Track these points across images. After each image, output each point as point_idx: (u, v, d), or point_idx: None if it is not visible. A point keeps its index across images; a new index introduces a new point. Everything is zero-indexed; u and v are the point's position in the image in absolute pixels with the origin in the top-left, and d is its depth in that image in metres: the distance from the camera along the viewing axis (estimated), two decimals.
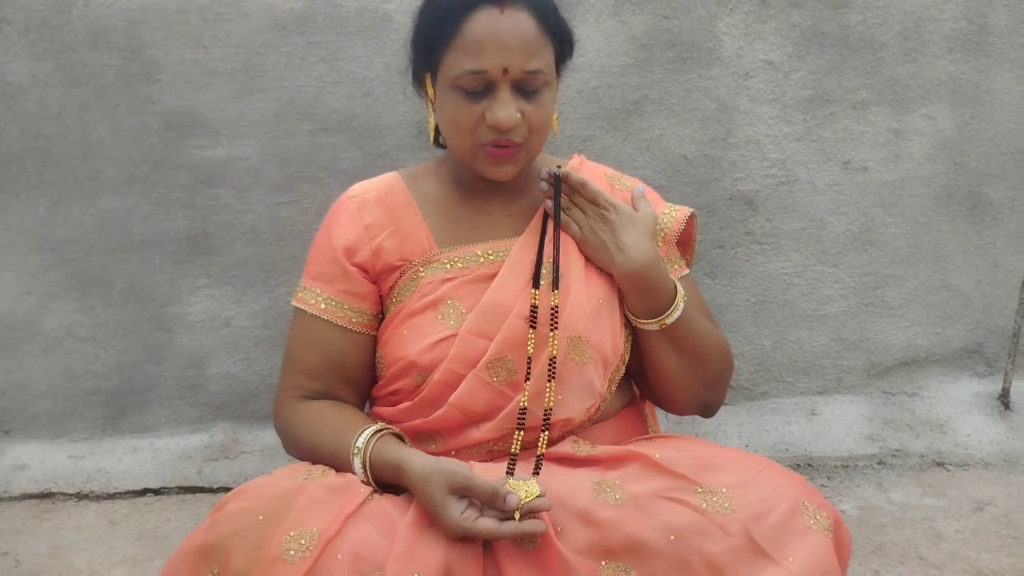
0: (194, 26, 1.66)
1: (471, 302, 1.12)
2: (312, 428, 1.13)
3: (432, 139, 1.21)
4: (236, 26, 1.66)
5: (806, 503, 0.96)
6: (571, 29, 1.15)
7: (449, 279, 1.14)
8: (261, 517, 0.93)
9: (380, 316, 1.19)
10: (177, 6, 1.65)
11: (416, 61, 1.15)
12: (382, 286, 1.18)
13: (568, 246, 1.16)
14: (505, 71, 1.05)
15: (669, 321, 1.14)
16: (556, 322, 1.10)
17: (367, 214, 1.18)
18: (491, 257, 1.16)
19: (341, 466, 1.06)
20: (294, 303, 1.20)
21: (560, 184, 1.16)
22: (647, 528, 0.93)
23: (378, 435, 1.06)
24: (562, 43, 1.13)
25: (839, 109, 1.77)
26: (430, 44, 1.10)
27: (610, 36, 1.70)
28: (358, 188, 1.22)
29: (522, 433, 1.08)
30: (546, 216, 1.17)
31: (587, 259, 1.17)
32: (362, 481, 1.03)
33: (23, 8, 1.64)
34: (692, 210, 1.25)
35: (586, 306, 1.13)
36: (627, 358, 1.19)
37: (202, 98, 1.69)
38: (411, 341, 1.12)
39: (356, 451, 1.04)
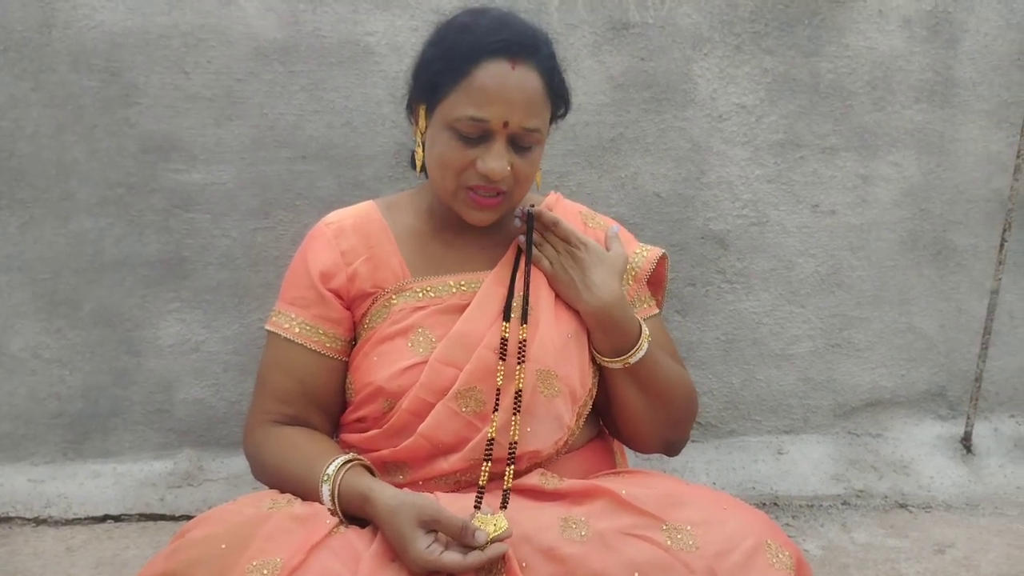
0: (176, 51, 1.67)
1: (441, 331, 1.13)
2: (282, 454, 1.12)
3: (418, 167, 1.22)
4: (218, 53, 1.67)
5: (769, 541, 0.97)
6: (570, 91, 1.19)
7: (421, 307, 1.15)
8: (224, 545, 0.92)
9: (352, 342, 1.20)
10: (160, 31, 1.66)
11: (415, 90, 1.16)
12: (355, 312, 1.19)
13: (539, 281, 1.18)
14: (505, 124, 1.08)
15: (632, 360, 1.15)
16: (524, 355, 1.11)
17: (343, 241, 1.19)
18: (463, 288, 1.17)
19: (308, 493, 1.05)
20: (268, 327, 1.20)
21: (533, 222, 1.18)
22: (612, 565, 0.93)
23: (348, 465, 1.05)
24: (558, 106, 1.17)
25: (809, 153, 1.81)
26: (434, 80, 1.11)
27: (588, 75, 1.73)
28: (335, 215, 1.23)
29: (489, 464, 1.08)
30: (519, 250, 1.19)
31: (556, 295, 1.18)
32: (329, 510, 1.03)
33: (3, 28, 1.64)
34: (663, 251, 1.27)
35: (555, 340, 1.14)
36: (595, 393, 1.20)
37: (181, 123, 1.69)
38: (380, 367, 1.12)
39: (326, 479, 1.03)
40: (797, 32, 1.76)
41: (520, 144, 1.10)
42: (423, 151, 1.16)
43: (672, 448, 1.27)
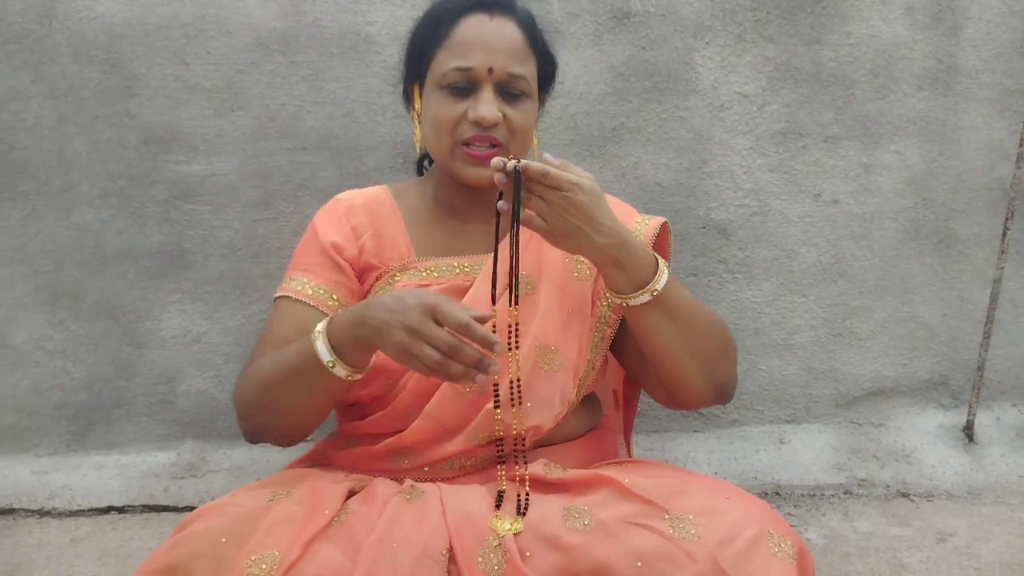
0: (176, 42, 1.66)
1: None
2: (269, 360, 1.12)
3: (417, 164, 1.24)
4: (219, 43, 1.67)
5: (771, 531, 0.97)
6: (554, 54, 1.21)
7: (424, 285, 1.18)
8: (224, 539, 0.93)
9: None
10: (160, 22, 1.65)
11: (407, 74, 1.21)
12: (362, 286, 1.22)
13: (542, 253, 1.19)
14: (490, 70, 1.11)
15: (659, 286, 1.09)
16: (518, 341, 1.08)
17: (354, 217, 1.23)
18: (466, 269, 1.20)
19: (303, 371, 1.05)
20: (277, 294, 1.20)
21: (520, 179, 1.03)
22: (614, 554, 0.94)
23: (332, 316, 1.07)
24: (545, 61, 1.19)
25: (811, 142, 1.81)
26: (422, 50, 1.16)
27: (589, 64, 1.73)
28: (347, 194, 1.28)
29: (503, 466, 1.09)
30: (513, 224, 1.10)
31: (562, 262, 1.18)
32: (327, 363, 1.02)
33: (3, 20, 1.64)
34: (664, 219, 1.26)
35: (557, 315, 1.15)
36: (596, 366, 1.20)
37: (182, 114, 1.69)
38: None
39: (316, 335, 1.03)
40: (799, 20, 1.75)
41: (509, 91, 1.13)
42: (419, 131, 1.19)
43: (723, 391, 1.19)
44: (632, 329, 1.16)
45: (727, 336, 1.20)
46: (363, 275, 1.21)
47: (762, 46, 1.76)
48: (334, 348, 1.03)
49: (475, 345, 0.95)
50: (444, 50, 1.13)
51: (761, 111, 1.78)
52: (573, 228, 1.05)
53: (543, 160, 1.06)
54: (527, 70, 1.14)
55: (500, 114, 1.11)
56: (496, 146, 1.12)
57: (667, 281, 1.10)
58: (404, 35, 1.21)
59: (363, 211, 1.23)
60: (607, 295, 1.16)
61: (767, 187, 1.82)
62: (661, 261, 1.12)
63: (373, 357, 1.08)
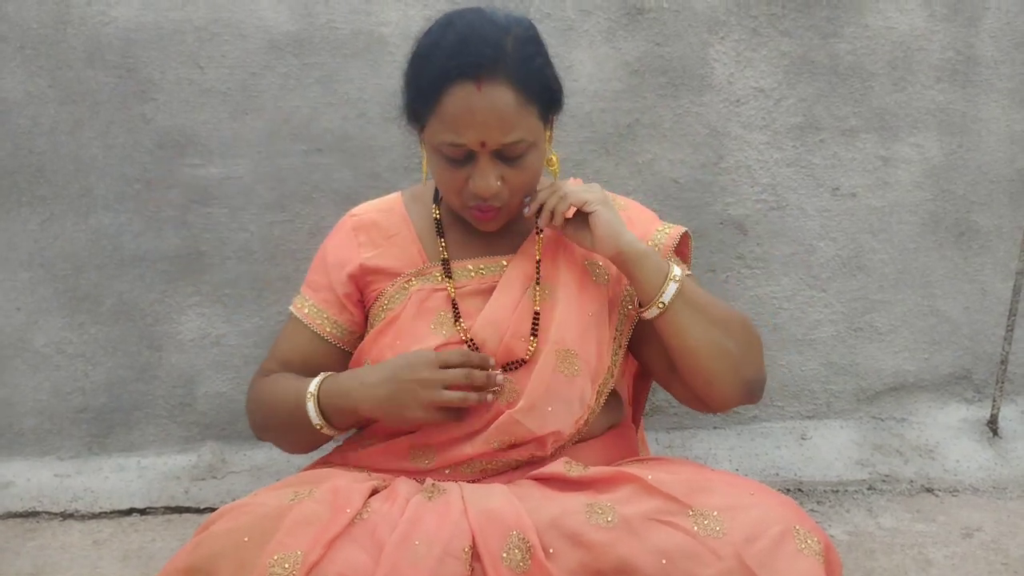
0: (190, 46, 1.67)
1: (462, 314, 1.16)
2: (271, 393, 1.21)
3: (423, 177, 1.23)
4: (232, 47, 1.67)
5: (797, 527, 0.96)
6: (559, 81, 1.14)
7: (439, 290, 1.17)
8: (246, 538, 0.92)
9: (356, 335, 1.24)
10: (174, 26, 1.66)
11: (406, 112, 1.16)
12: (367, 297, 1.22)
13: (560, 259, 1.18)
14: (483, 144, 1.07)
15: (685, 275, 1.14)
16: (537, 332, 1.15)
17: (362, 233, 1.24)
18: (482, 272, 1.19)
19: (298, 420, 1.14)
20: (290, 307, 1.28)
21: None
22: (638, 551, 0.93)
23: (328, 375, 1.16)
24: (548, 101, 1.12)
25: (828, 136, 1.79)
26: (412, 107, 1.13)
27: (603, 61, 1.72)
28: (361, 208, 1.29)
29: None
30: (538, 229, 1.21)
31: (581, 274, 1.19)
32: (316, 425, 1.12)
33: (19, 25, 1.65)
34: (685, 229, 1.25)
35: (576, 320, 1.14)
36: (615, 371, 1.19)
37: (197, 117, 1.69)
38: (402, 348, 1.13)
39: (308, 396, 1.13)
40: (815, 13, 1.74)
41: (507, 156, 1.09)
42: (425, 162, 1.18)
43: (752, 389, 1.19)
44: (659, 331, 1.15)
45: (752, 331, 1.19)
46: (368, 287, 1.21)
47: (778, 40, 1.74)
48: (323, 414, 1.13)
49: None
50: (434, 120, 1.08)
51: (778, 105, 1.77)
52: (610, 217, 1.13)
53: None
54: (524, 130, 1.08)
55: (498, 183, 1.10)
56: (498, 209, 1.14)
57: (687, 273, 1.15)
58: (417, 34, 1.18)
59: (374, 225, 1.24)
60: (629, 292, 1.20)
61: (784, 182, 1.80)
62: (669, 256, 1.17)
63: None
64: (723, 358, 1.14)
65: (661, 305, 1.12)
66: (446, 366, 1.08)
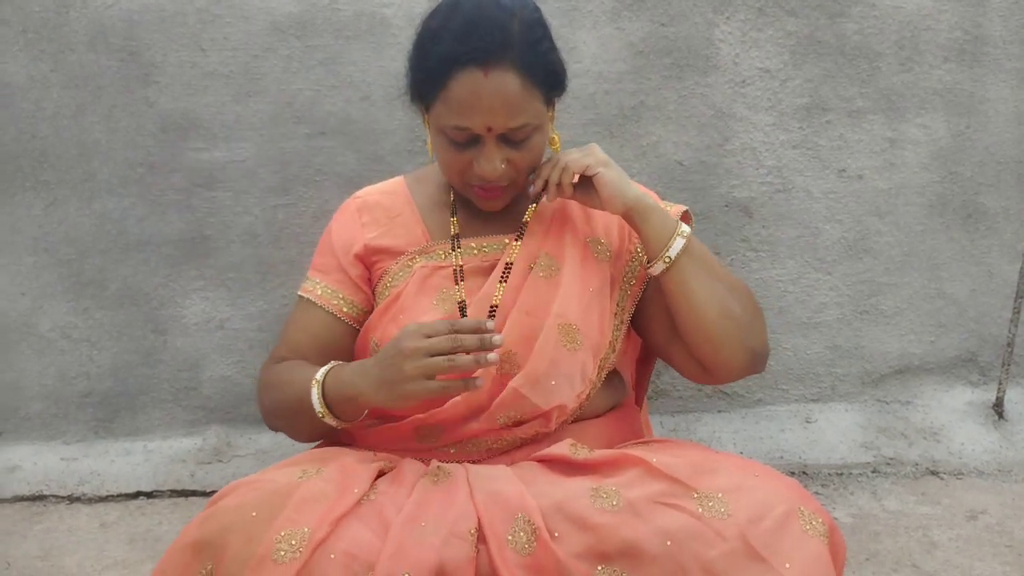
0: (192, 29, 1.66)
1: (464, 291, 1.17)
2: (279, 380, 1.20)
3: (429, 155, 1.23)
4: (235, 29, 1.66)
5: (802, 508, 0.96)
6: (564, 65, 1.15)
7: (442, 268, 1.19)
8: (254, 513, 0.93)
9: (369, 313, 1.24)
10: (176, 8, 1.65)
11: (411, 91, 1.17)
12: (374, 275, 1.23)
13: (562, 235, 1.19)
14: (489, 129, 1.08)
15: (691, 231, 1.14)
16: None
17: (366, 214, 1.25)
18: (484, 250, 1.20)
19: (304, 408, 1.11)
20: (299, 292, 1.27)
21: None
22: (643, 533, 0.93)
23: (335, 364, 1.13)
24: (552, 85, 1.14)
25: (835, 117, 1.78)
26: (418, 88, 1.13)
27: (607, 43, 1.71)
28: (364, 191, 1.30)
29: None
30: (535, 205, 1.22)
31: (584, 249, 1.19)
32: (318, 413, 1.09)
33: (21, 9, 1.64)
34: (686, 207, 1.25)
35: (579, 295, 1.15)
36: (617, 346, 1.19)
37: (199, 101, 1.69)
38: (404, 324, 1.13)
39: (314, 383, 1.10)
40: None
41: (512, 140, 1.11)
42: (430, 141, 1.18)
43: (757, 358, 1.19)
44: (666, 291, 1.16)
45: (756, 302, 1.21)
46: (375, 266, 1.23)
47: (784, 20, 1.73)
48: (327, 403, 1.10)
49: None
50: (441, 103, 1.08)
51: (784, 86, 1.76)
52: (615, 176, 1.12)
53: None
54: (530, 115, 1.09)
55: (503, 165, 1.12)
56: (504, 188, 1.15)
57: (692, 231, 1.15)
58: (420, 16, 1.17)
59: (378, 207, 1.25)
60: (639, 253, 1.21)
61: (790, 164, 1.79)
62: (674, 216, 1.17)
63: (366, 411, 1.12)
64: (729, 319, 1.14)
65: (668, 259, 1.12)
66: (433, 335, 1.02)
